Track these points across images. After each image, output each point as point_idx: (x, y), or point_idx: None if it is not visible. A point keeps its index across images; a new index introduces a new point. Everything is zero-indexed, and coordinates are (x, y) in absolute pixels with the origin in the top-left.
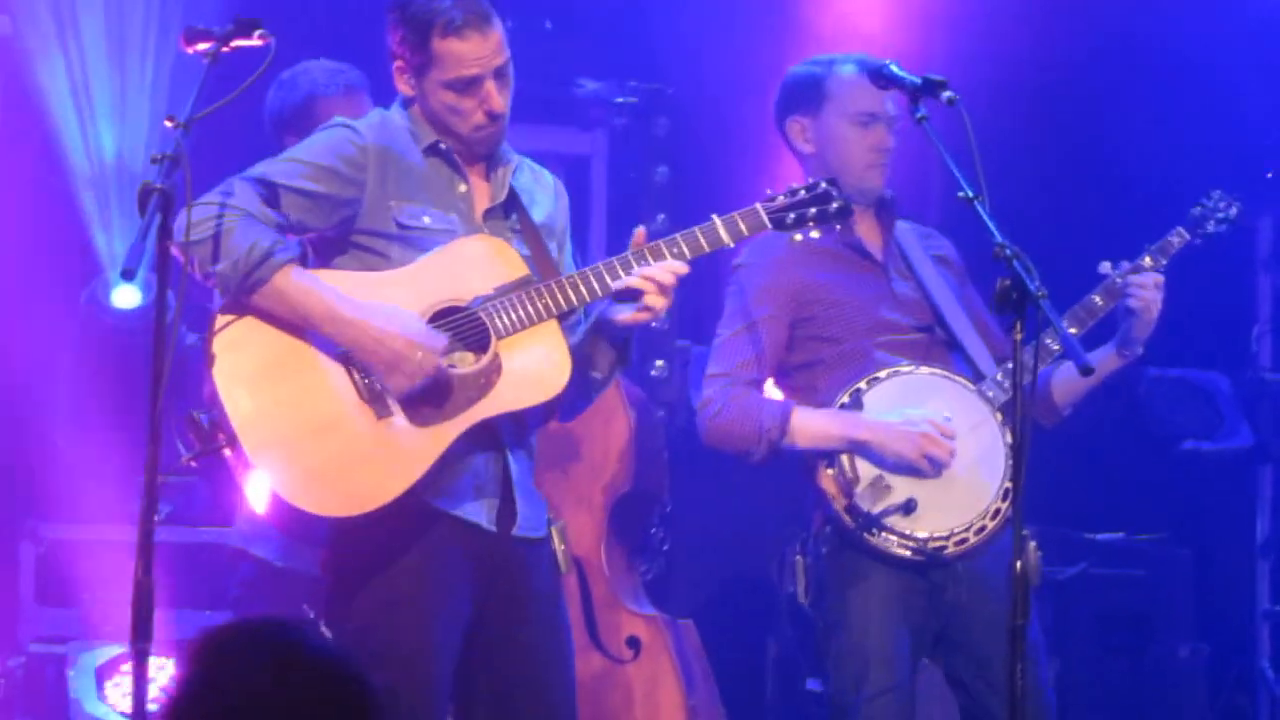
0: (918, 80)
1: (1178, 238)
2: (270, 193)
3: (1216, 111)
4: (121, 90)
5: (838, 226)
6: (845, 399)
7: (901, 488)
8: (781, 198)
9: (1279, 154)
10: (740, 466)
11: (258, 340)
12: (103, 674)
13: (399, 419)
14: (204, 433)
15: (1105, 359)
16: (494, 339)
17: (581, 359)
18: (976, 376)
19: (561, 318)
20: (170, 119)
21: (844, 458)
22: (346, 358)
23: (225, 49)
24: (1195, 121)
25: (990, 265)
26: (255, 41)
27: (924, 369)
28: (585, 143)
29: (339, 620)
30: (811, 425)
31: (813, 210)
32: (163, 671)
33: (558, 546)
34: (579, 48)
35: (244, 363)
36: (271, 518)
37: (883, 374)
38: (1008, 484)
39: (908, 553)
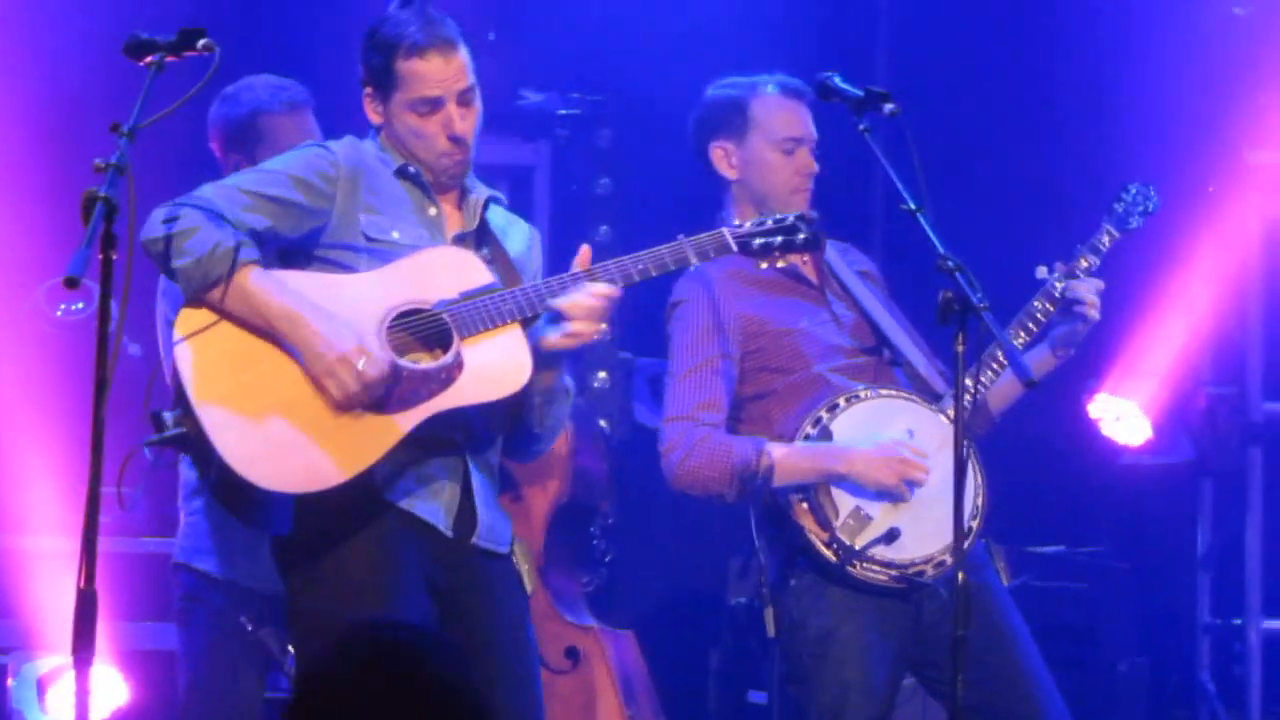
0: (860, 93)
1: (1107, 235)
2: (239, 199)
3: (1159, 124)
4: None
5: (805, 259)
6: (810, 429)
7: (881, 517)
8: (749, 224)
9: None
10: None
11: (221, 333)
12: (45, 684)
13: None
14: (164, 423)
15: (1041, 360)
16: (456, 338)
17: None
18: (932, 396)
19: (525, 324)
20: (114, 127)
21: (819, 491)
22: None
23: (170, 58)
24: (1137, 134)
25: (934, 276)
26: (199, 52)
27: (883, 392)
28: (528, 154)
29: (300, 612)
30: (786, 462)
31: (779, 240)
32: (105, 681)
33: (521, 566)
34: (522, 59)
35: (208, 352)
36: (224, 502)
37: (842, 400)
38: (979, 500)
39: (891, 581)
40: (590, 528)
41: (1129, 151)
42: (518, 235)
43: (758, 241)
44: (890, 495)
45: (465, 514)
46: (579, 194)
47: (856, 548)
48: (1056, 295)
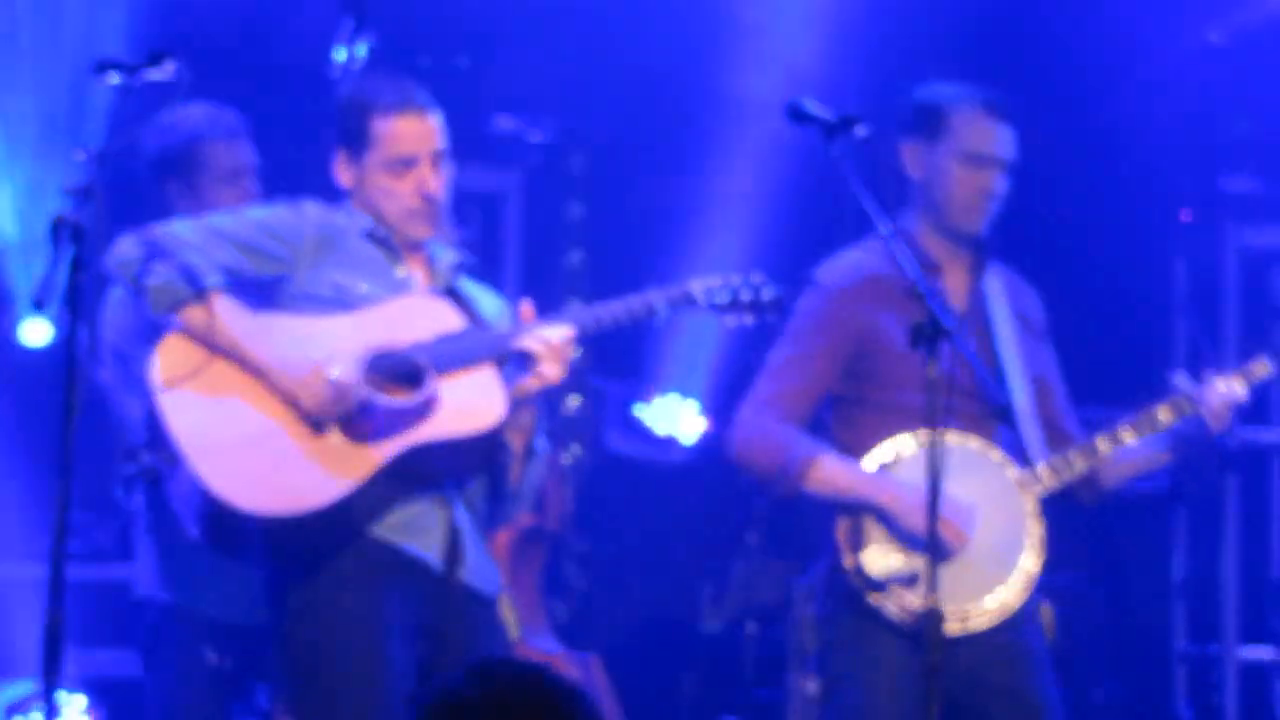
0: (831, 118)
1: (1263, 368)
2: (209, 235)
3: (1133, 151)
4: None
5: (769, 317)
6: (886, 457)
7: (909, 558)
8: (716, 278)
9: (1193, 196)
10: (655, 506)
11: (196, 364)
12: (13, 711)
13: (335, 438)
14: (138, 455)
15: (1153, 455)
16: (431, 375)
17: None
18: (1021, 460)
19: (498, 363)
20: (82, 151)
21: (863, 515)
22: None
23: (136, 81)
24: (1111, 161)
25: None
26: (165, 74)
27: (966, 442)
28: (500, 180)
29: (290, 644)
30: (836, 478)
31: (746, 296)
32: (72, 708)
33: (508, 616)
34: (494, 85)
35: (184, 384)
36: (201, 532)
37: (915, 438)
38: (1032, 557)
39: (903, 621)
40: (553, 554)
41: (1105, 177)
42: (489, 300)
43: (725, 297)
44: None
45: (453, 553)
46: (551, 220)
47: (875, 578)
48: (1182, 406)
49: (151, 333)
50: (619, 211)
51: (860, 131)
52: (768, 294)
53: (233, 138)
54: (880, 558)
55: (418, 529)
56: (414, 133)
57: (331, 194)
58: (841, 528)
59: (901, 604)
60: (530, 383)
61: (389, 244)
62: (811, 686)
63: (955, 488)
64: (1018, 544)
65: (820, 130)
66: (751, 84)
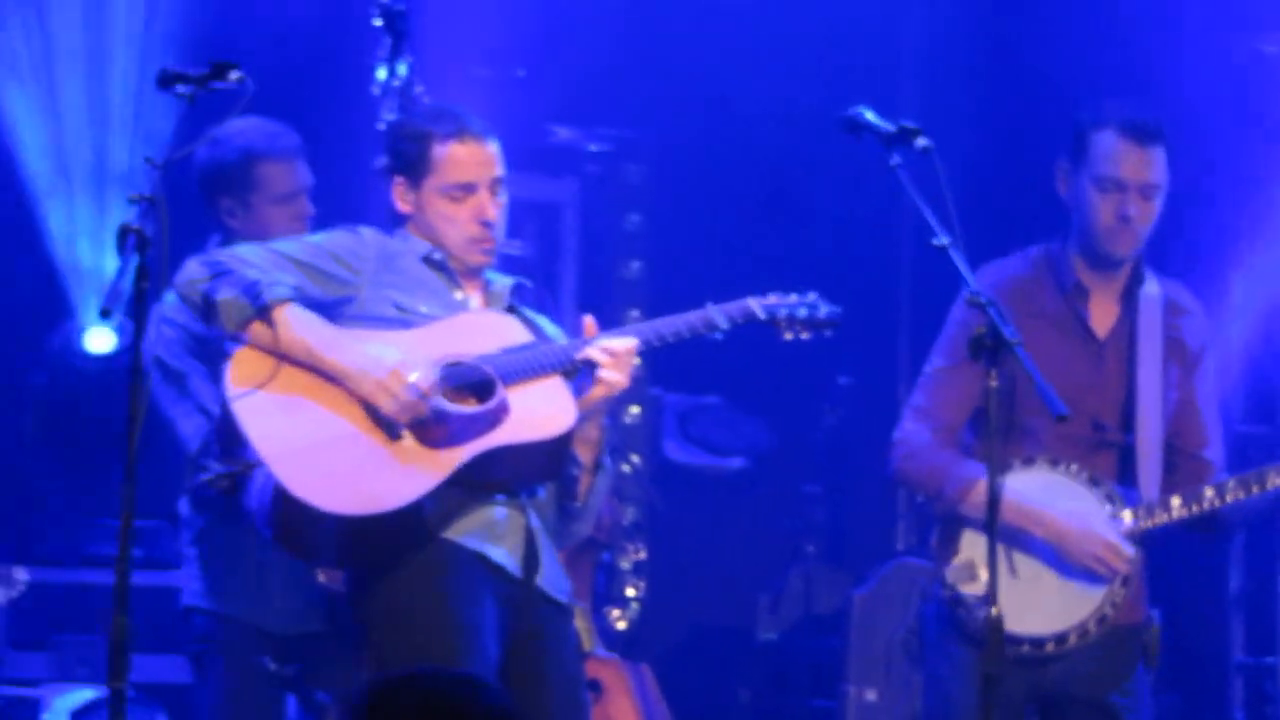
0: (891, 128)
1: None
2: (274, 256)
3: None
4: (99, 129)
5: (826, 334)
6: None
7: (985, 578)
8: (774, 296)
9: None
10: (713, 516)
11: (270, 373)
12: (77, 718)
13: (409, 442)
14: (208, 463)
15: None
16: (500, 384)
17: None
18: (1129, 497)
19: (565, 377)
20: (149, 160)
21: (960, 529)
22: None
23: (202, 91)
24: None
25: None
26: (231, 84)
27: (1073, 472)
28: (557, 190)
29: (377, 647)
30: (981, 499)
31: (803, 313)
32: (138, 714)
33: (581, 625)
34: (551, 95)
35: (259, 392)
36: (275, 535)
37: (1018, 463)
38: (1107, 610)
39: (979, 633)
40: (598, 562)
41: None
42: (547, 322)
43: (783, 312)
44: (1011, 569)
45: (530, 559)
46: (608, 230)
47: (958, 593)
48: None
49: (198, 348)
50: (676, 221)
51: (921, 143)
52: (824, 312)
53: (290, 158)
54: (960, 574)
55: (496, 534)
56: (472, 159)
57: (373, 211)
58: (937, 539)
59: (974, 618)
60: (597, 392)
61: (446, 268)
62: (871, 695)
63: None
64: (1102, 581)
65: (878, 141)
66: (807, 93)
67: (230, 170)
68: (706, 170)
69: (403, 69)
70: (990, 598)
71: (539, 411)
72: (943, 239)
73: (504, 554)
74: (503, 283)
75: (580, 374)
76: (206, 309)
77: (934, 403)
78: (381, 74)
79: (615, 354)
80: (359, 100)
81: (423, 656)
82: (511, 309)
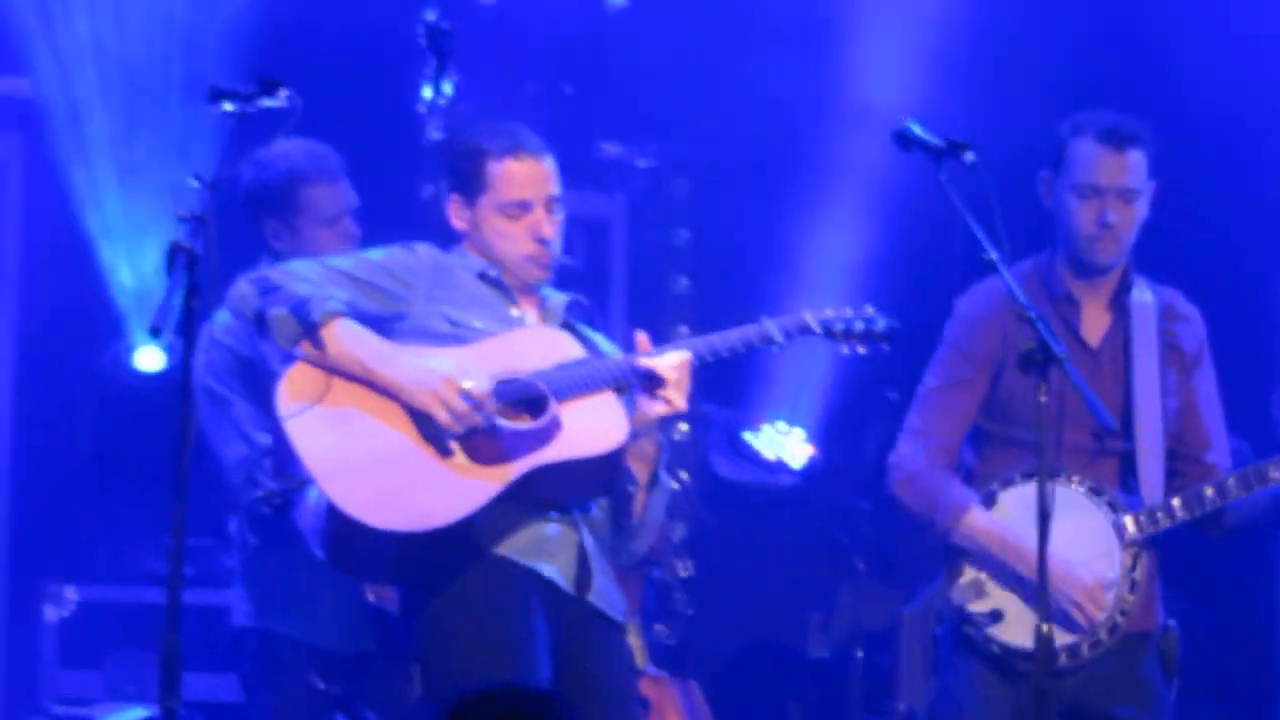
0: (940, 143)
1: None
2: (327, 272)
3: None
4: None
5: (883, 347)
6: (992, 487)
7: (994, 595)
8: (830, 309)
9: None
10: (762, 532)
11: (321, 389)
12: None
13: (460, 458)
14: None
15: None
16: (552, 400)
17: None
18: (1132, 503)
19: (619, 391)
20: (196, 178)
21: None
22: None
23: (250, 109)
24: (1223, 172)
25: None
26: (280, 102)
27: (1071, 484)
28: (605, 206)
29: (429, 664)
30: (977, 537)
31: (859, 326)
32: None
33: (634, 642)
34: (599, 111)
35: (311, 409)
36: (327, 553)
37: (1019, 476)
38: (1118, 618)
39: (989, 653)
40: (653, 579)
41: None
42: (603, 339)
43: (839, 327)
44: (1020, 586)
45: (583, 576)
46: (657, 246)
47: (964, 611)
48: None
49: (245, 371)
50: (724, 237)
51: (969, 157)
52: (881, 325)
53: (334, 180)
54: (968, 593)
55: (547, 551)
56: (528, 176)
57: (419, 229)
58: (944, 559)
59: (987, 636)
60: (654, 409)
61: (502, 285)
62: (921, 712)
63: (1055, 536)
64: (1109, 590)
65: (927, 155)
66: (855, 108)
67: (275, 193)
68: (754, 185)
69: (448, 87)
70: (1041, 613)
71: (591, 427)
72: (992, 253)
73: (555, 570)
74: (558, 299)
75: (633, 389)
76: (259, 326)
77: (930, 423)
78: (427, 93)
79: (672, 372)
80: (404, 119)
81: (474, 673)
82: (567, 325)
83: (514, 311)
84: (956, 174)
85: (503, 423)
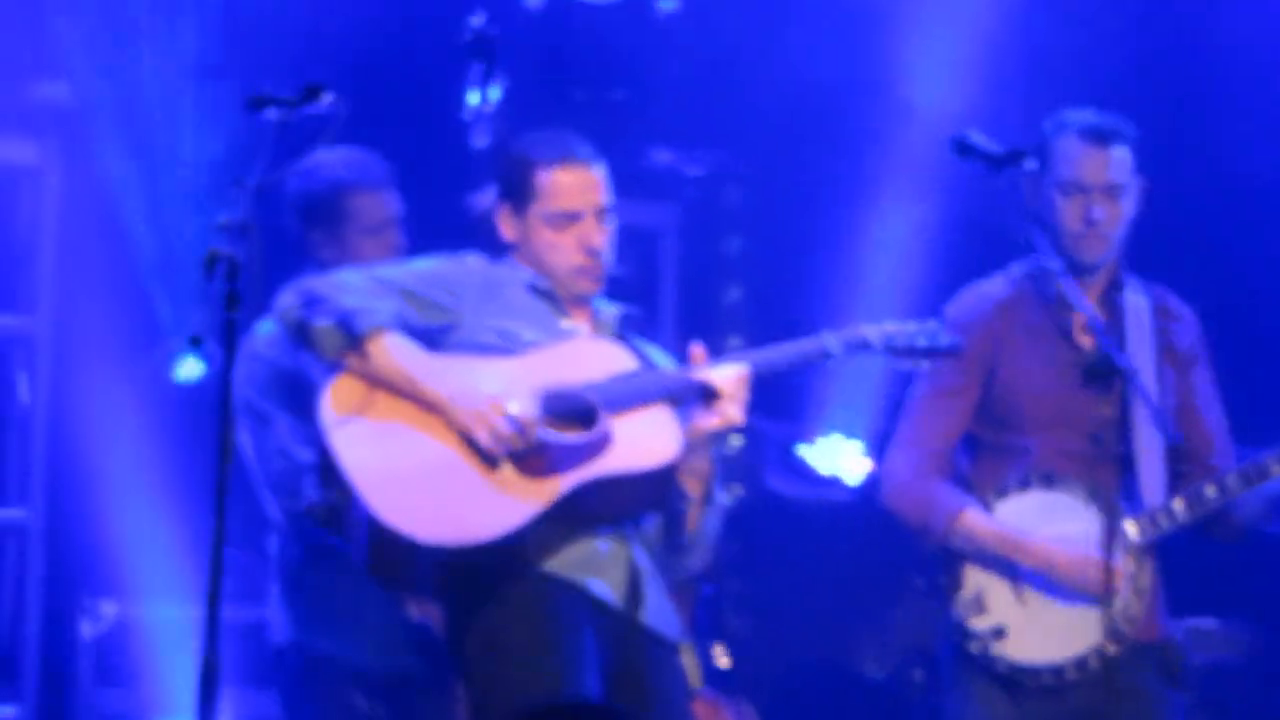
0: (999, 151)
1: None
2: (374, 283)
3: None
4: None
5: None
6: (987, 498)
7: (996, 608)
8: (891, 324)
9: None
10: (817, 548)
11: (365, 402)
12: None
13: (508, 471)
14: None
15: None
16: (603, 412)
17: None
18: (1132, 507)
19: (672, 404)
20: (239, 181)
21: (959, 562)
22: None
23: (294, 115)
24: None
25: None
26: (323, 108)
27: (1071, 488)
28: (656, 215)
29: (475, 681)
30: (975, 537)
31: (922, 342)
32: None
33: (688, 662)
34: (650, 118)
35: (354, 422)
36: (370, 567)
37: (1017, 489)
38: (1123, 627)
39: (991, 668)
40: (704, 597)
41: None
42: (657, 351)
43: (901, 343)
44: (1017, 594)
45: (634, 594)
46: (708, 255)
47: (965, 626)
48: None
49: (286, 385)
50: (777, 245)
51: (1029, 165)
52: (944, 340)
53: (380, 189)
54: (969, 607)
55: (597, 567)
56: (578, 186)
57: (466, 238)
58: (943, 575)
59: (993, 654)
60: (710, 423)
61: (552, 297)
62: None
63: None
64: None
65: (987, 164)
66: (910, 112)
67: (320, 203)
68: (806, 193)
69: (494, 94)
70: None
71: (643, 441)
72: (1052, 263)
73: (605, 587)
74: (610, 310)
75: (688, 403)
76: (300, 337)
77: (921, 431)
78: (473, 99)
79: (728, 382)
80: (450, 126)
81: (522, 690)
82: (619, 337)
83: (565, 323)
84: (1015, 182)
85: (551, 435)
